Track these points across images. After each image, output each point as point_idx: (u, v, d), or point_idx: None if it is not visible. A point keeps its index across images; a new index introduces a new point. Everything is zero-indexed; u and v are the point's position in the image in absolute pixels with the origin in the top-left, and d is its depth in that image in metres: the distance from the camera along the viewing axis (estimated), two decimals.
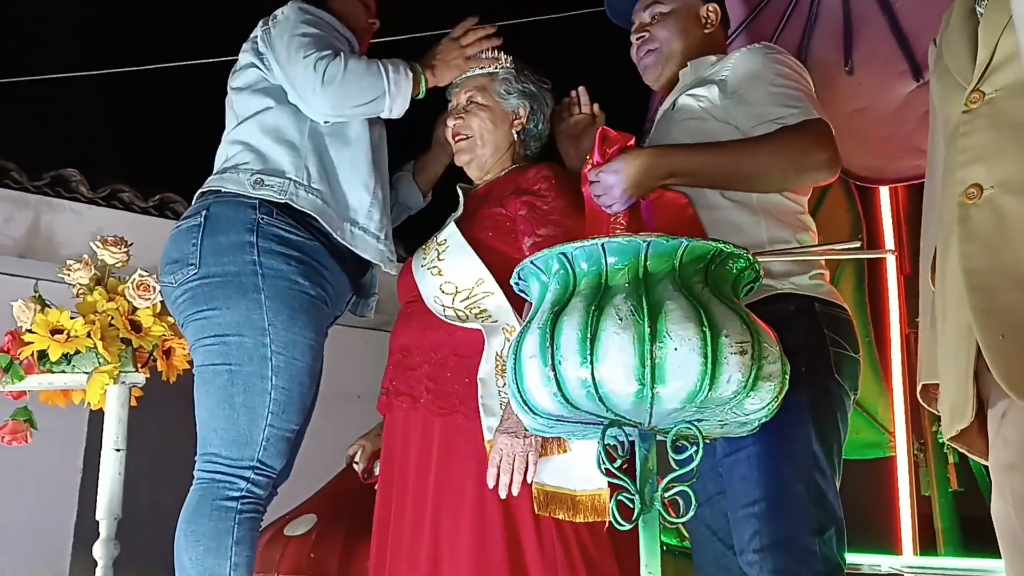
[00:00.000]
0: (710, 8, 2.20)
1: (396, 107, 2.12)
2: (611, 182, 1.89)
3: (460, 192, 2.29)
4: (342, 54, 2.07)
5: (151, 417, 2.63)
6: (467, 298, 2.09)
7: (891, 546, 2.33)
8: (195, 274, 1.98)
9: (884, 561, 2.34)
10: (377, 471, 2.28)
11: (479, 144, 2.24)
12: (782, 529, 1.72)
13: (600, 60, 2.78)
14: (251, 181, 2.02)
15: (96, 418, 2.54)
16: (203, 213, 2.02)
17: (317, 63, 2.03)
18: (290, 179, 2.03)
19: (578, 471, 1.95)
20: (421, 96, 2.18)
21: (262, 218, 1.99)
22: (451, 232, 2.15)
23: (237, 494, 1.92)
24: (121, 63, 4.67)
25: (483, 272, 2.07)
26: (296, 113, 2.11)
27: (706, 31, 2.18)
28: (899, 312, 2.41)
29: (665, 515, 1.50)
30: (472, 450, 1.98)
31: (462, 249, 2.11)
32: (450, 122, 2.27)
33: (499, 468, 1.92)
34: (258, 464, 1.94)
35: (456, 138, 2.26)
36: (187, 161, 2.73)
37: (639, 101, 2.73)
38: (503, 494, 1.92)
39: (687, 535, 2.26)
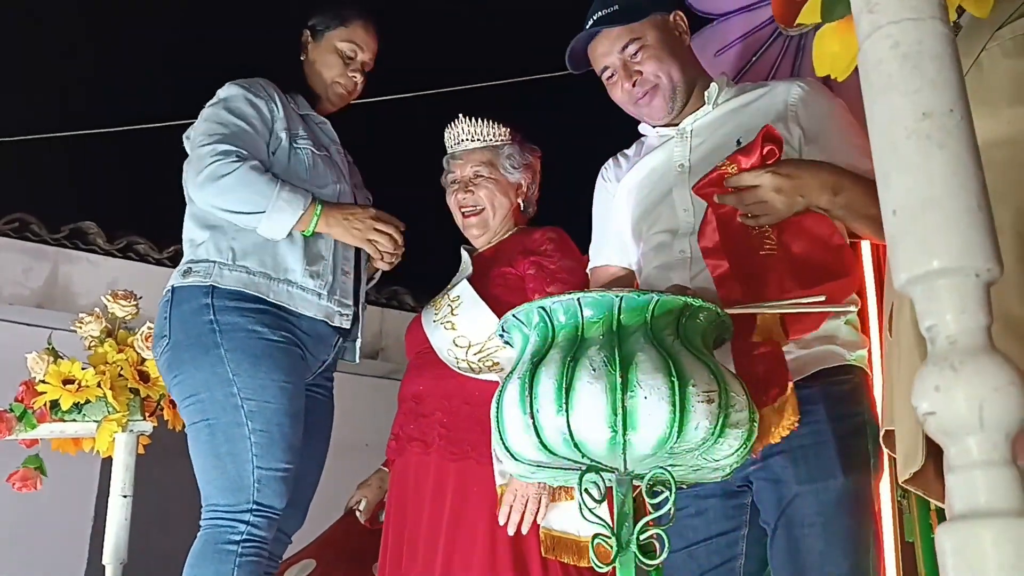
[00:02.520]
0: (678, 17, 2.09)
1: (266, 230, 2.14)
2: (785, 190, 1.72)
3: (465, 253, 2.41)
4: (244, 160, 2.13)
5: (159, 465, 2.72)
6: (480, 351, 2.20)
7: None
8: (167, 344, 2.11)
9: None
10: (382, 518, 2.37)
11: (491, 216, 2.37)
12: None
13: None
14: (181, 272, 2.17)
15: (107, 466, 2.63)
16: (171, 289, 2.17)
17: (212, 156, 2.12)
18: (214, 262, 2.14)
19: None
20: (306, 234, 2.19)
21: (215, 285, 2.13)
22: (464, 289, 2.27)
23: (238, 537, 1.99)
24: (137, 120, 4.84)
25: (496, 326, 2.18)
26: None
27: (684, 41, 2.08)
28: (880, 366, 2.45)
29: (640, 556, 1.57)
30: (485, 494, 2.08)
31: (476, 305, 2.23)
32: (458, 195, 2.39)
33: (511, 507, 2.02)
34: (255, 506, 2.01)
35: (464, 210, 2.38)
36: None
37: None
38: (511, 531, 2.01)
39: None
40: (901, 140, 0.61)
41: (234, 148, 2.13)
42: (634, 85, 2.02)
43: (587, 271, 2.22)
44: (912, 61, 0.61)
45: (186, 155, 2.24)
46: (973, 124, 0.63)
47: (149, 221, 5.19)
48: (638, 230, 2.07)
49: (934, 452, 1.34)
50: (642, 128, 2.17)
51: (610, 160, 2.25)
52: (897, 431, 1.40)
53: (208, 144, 2.13)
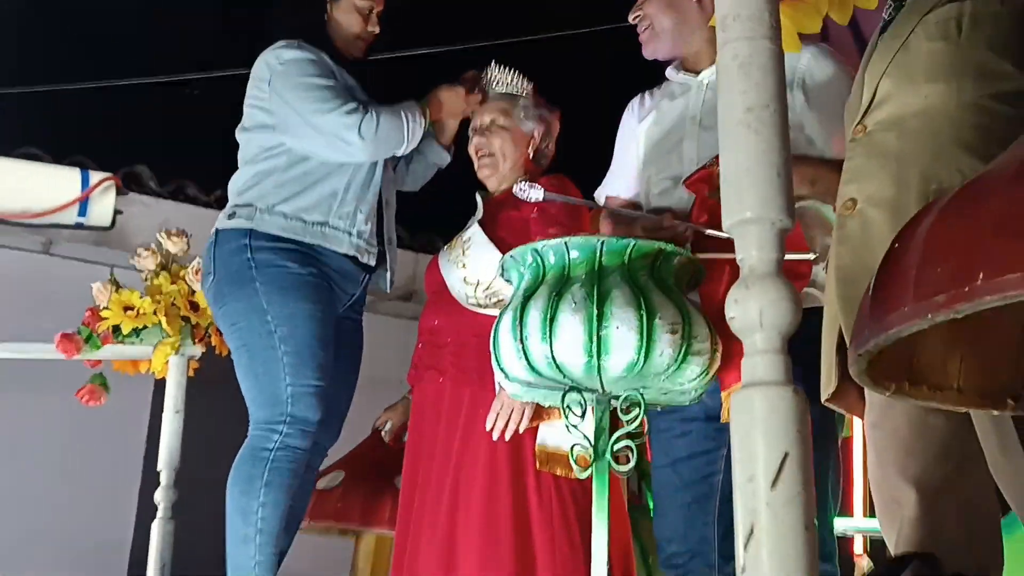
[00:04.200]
0: None
1: (407, 149, 2.51)
2: None
3: (479, 198, 2.66)
4: (369, 108, 2.41)
5: (208, 388, 3.04)
6: (487, 288, 2.46)
7: (845, 511, 2.62)
8: (212, 279, 2.40)
9: (839, 523, 2.64)
10: (405, 438, 2.66)
11: (501, 161, 2.60)
12: None
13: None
14: (226, 215, 2.44)
15: (160, 389, 2.95)
16: (216, 231, 2.44)
17: (348, 117, 2.38)
18: (254, 207, 2.40)
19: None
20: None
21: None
22: (475, 231, 2.52)
23: (271, 445, 2.27)
24: (189, 70, 5.13)
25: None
26: (265, 141, 2.47)
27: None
28: None
29: (614, 465, 1.84)
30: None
31: (485, 246, 2.48)
32: (474, 140, 2.64)
33: (498, 416, 2.30)
34: (289, 418, 2.28)
35: (479, 154, 2.62)
36: None
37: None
38: (496, 437, 2.30)
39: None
40: (731, 126, 0.84)
41: (352, 102, 2.40)
42: (636, 20, 2.30)
43: (598, 196, 2.45)
44: (744, 69, 0.84)
45: (235, 105, 2.51)
46: (787, 117, 0.87)
47: (198, 167, 5.51)
48: (646, 174, 2.30)
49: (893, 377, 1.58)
50: (668, 71, 2.36)
51: (636, 97, 2.45)
52: (822, 359, 1.63)
53: (335, 109, 2.39)
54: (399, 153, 2.52)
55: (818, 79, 2.10)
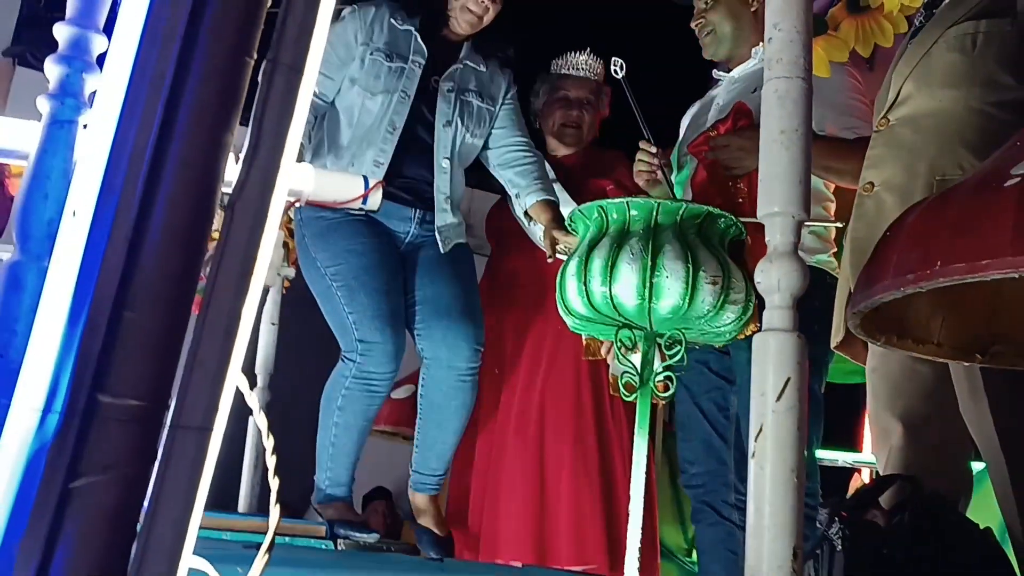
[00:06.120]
0: None
1: None
2: (748, 149, 2.21)
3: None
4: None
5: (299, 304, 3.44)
6: None
7: (855, 446, 2.98)
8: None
9: (848, 456, 3.01)
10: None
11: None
12: None
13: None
14: None
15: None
16: None
17: None
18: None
19: None
20: None
21: None
22: (560, 193, 2.91)
23: (348, 372, 2.57)
24: None
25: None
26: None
27: (753, 6, 2.58)
28: None
29: (656, 392, 2.20)
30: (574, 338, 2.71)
31: (567, 204, 2.86)
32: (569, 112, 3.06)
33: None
34: (358, 344, 2.53)
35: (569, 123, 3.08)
36: None
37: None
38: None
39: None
40: (768, 143, 1.17)
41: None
42: (698, 28, 2.66)
43: None
44: (781, 100, 1.17)
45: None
46: (811, 138, 1.19)
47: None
48: (682, 148, 2.66)
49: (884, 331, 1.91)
50: (714, 72, 2.76)
51: None
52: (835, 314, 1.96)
53: None
54: None
55: (815, 82, 2.43)
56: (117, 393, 0.63)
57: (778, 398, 1.07)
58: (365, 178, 1.13)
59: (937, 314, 1.54)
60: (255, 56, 0.71)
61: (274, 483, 0.73)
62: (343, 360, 2.61)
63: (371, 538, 2.52)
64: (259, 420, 0.77)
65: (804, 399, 1.09)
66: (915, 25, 2.04)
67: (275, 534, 0.75)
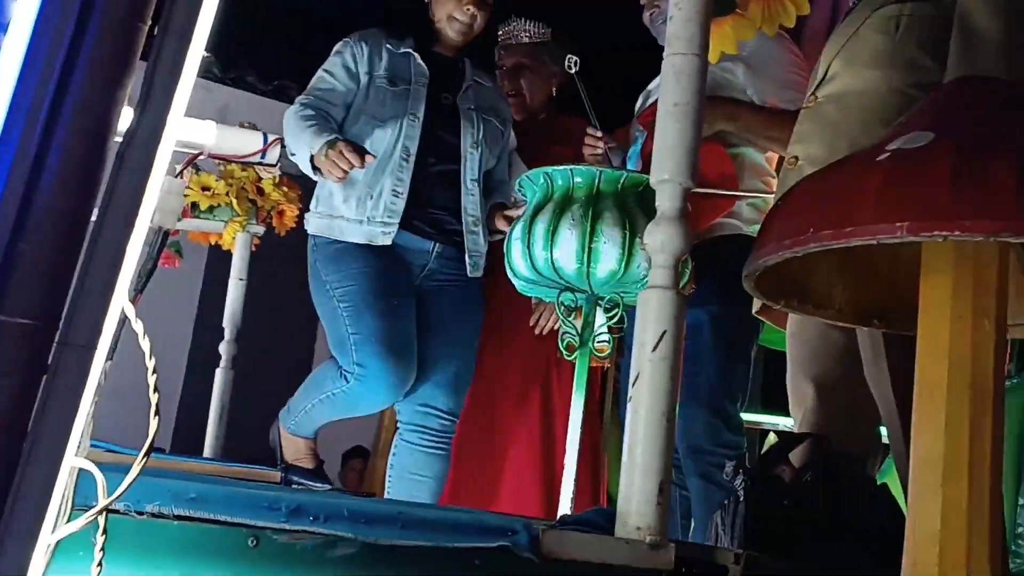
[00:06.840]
0: None
1: (302, 166, 2.57)
2: None
3: None
4: (304, 107, 2.58)
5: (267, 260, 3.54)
6: None
7: None
8: None
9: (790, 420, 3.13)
10: None
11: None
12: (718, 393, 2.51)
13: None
14: None
15: (213, 258, 3.36)
16: None
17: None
18: (311, 211, 2.71)
19: None
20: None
21: None
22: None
23: (340, 385, 2.53)
24: None
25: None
26: None
27: None
28: None
29: (595, 352, 2.31)
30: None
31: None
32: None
33: (541, 315, 2.83)
34: (355, 367, 2.49)
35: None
36: (304, 52, 3.19)
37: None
38: (537, 332, 2.85)
39: None
40: (664, 114, 1.27)
41: (308, 98, 2.60)
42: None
43: None
44: (677, 76, 1.26)
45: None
46: (702, 112, 1.29)
47: (258, 56, 5.92)
48: (635, 123, 2.76)
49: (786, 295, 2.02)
50: None
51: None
52: None
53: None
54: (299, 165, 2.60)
55: (757, 57, 2.51)
56: (11, 313, 0.73)
57: (654, 348, 1.17)
58: (264, 134, 1.21)
59: (838, 280, 1.64)
60: (148, 21, 0.81)
61: (154, 397, 0.83)
62: (342, 372, 2.56)
63: (323, 488, 2.61)
64: (143, 344, 0.87)
65: (679, 351, 1.19)
66: (851, 3, 2.12)
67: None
